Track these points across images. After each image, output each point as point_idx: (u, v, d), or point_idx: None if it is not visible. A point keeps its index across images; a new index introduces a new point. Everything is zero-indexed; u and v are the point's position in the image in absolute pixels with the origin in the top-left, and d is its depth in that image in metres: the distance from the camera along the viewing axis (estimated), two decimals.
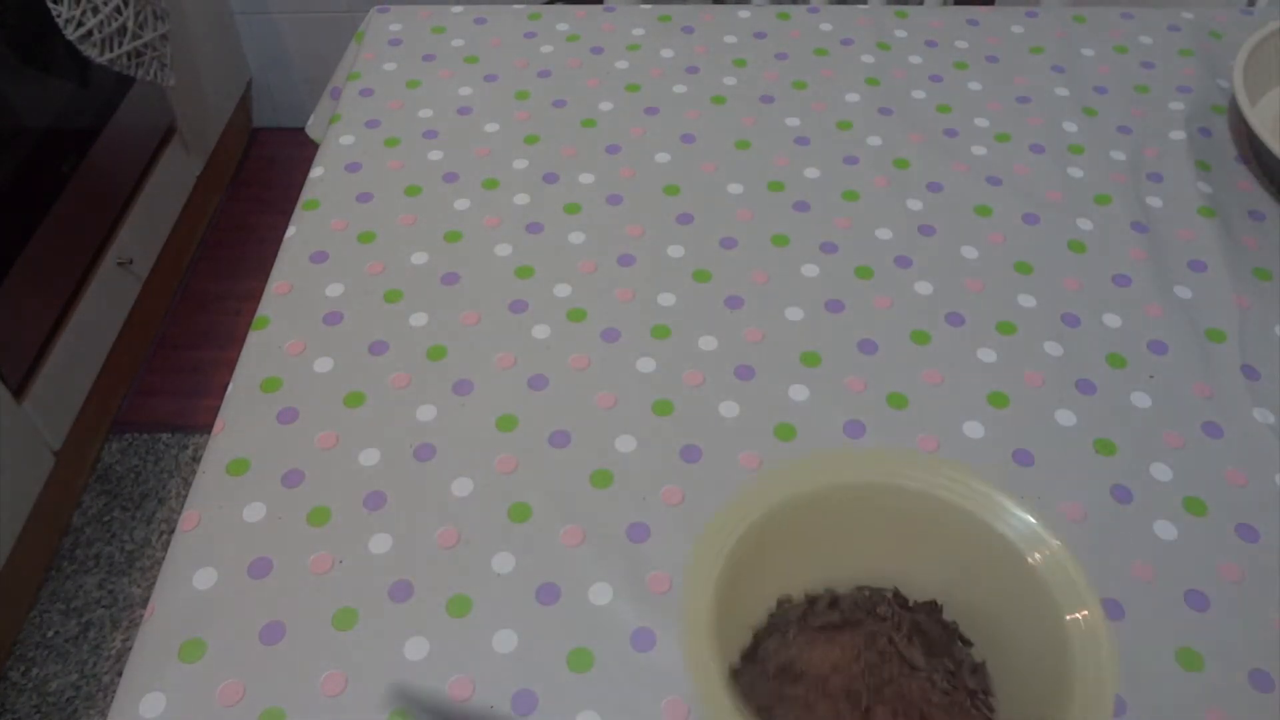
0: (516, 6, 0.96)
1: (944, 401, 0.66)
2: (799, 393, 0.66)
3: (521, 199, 0.78)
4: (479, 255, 0.74)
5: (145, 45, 1.38)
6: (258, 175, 1.92)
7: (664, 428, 0.64)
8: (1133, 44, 0.93)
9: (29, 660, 1.28)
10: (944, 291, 0.72)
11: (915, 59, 0.91)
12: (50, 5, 1.21)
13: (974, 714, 0.48)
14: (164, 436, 1.51)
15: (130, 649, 0.58)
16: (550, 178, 0.80)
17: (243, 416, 0.64)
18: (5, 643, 1.28)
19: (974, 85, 0.88)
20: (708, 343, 0.69)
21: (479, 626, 0.55)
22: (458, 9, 0.95)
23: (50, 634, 1.30)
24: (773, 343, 0.69)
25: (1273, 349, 0.69)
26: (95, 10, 1.27)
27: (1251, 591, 0.57)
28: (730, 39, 0.93)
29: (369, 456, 0.62)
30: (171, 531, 1.24)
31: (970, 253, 0.75)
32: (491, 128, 0.84)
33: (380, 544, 0.58)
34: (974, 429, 0.64)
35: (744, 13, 0.95)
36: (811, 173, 0.80)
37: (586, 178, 0.80)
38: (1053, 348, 0.69)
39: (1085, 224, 0.77)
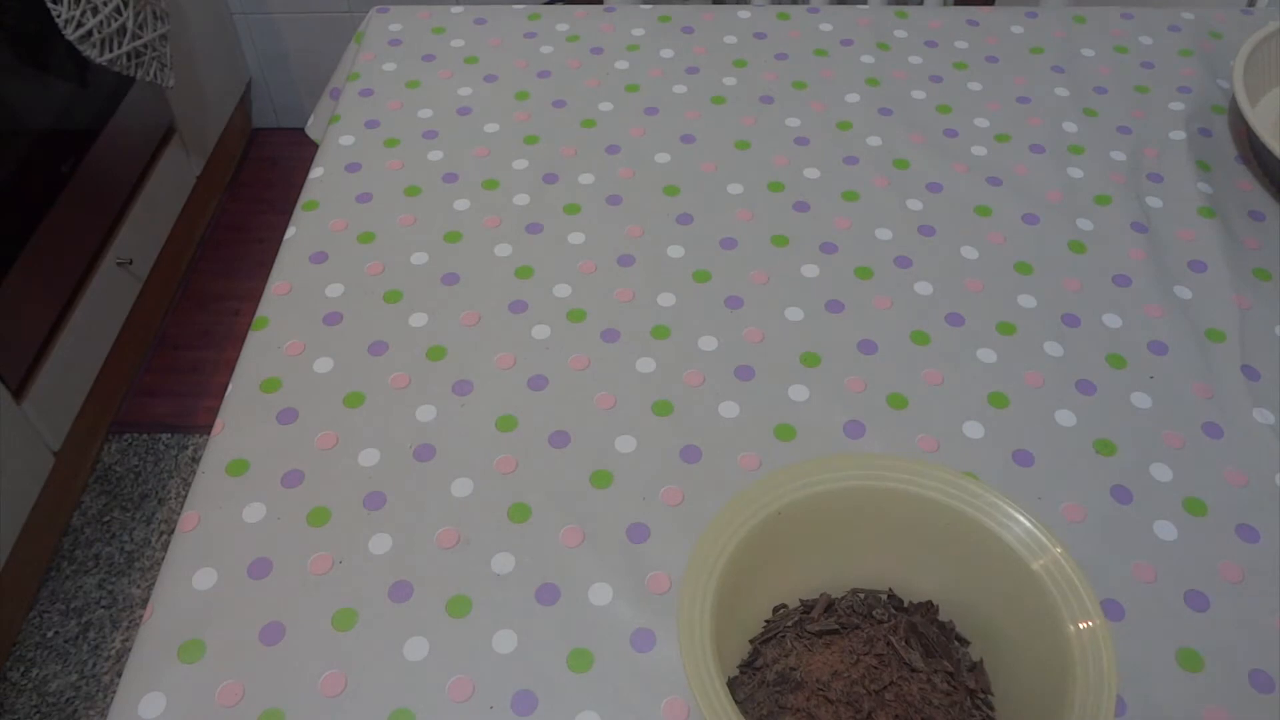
0: (516, 7, 0.96)
1: (944, 402, 0.66)
2: (799, 393, 0.66)
3: (521, 199, 0.78)
4: (479, 255, 0.74)
5: (145, 45, 1.38)
6: (258, 175, 1.92)
7: (664, 428, 0.64)
8: (1133, 44, 0.93)
9: (29, 660, 1.28)
10: (944, 292, 0.72)
11: (915, 59, 0.91)
12: (50, 5, 1.21)
13: (974, 714, 0.48)
14: (164, 437, 1.51)
15: (130, 649, 0.58)
16: (550, 178, 0.80)
17: (242, 417, 0.64)
18: (5, 643, 1.28)
19: (974, 85, 0.88)
20: (708, 343, 0.69)
21: (479, 626, 0.55)
22: (458, 9, 0.95)
23: (50, 634, 1.30)
24: (773, 343, 0.69)
25: (1273, 349, 0.69)
26: (95, 10, 1.27)
27: (1251, 591, 0.57)
28: (730, 39, 0.93)
29: (369, 457, 0.62)
30: (171, 532, 1.24)
31: (970, 253, 0.75)
32: (491, 128, 0.84)
33: (380, 544, 0.58)
34: (974, 429, 0.64)
35: (744, 13, 0.95)
36: (811, 173, 0.80)
37: (586, 178, 0.80)
38: (1053, 348, 0.69)
39: (1085, 224, 0.77)
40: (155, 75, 1.41)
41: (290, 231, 0.76)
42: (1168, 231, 0.76)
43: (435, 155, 0.81)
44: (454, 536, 0.59)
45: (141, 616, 0.72)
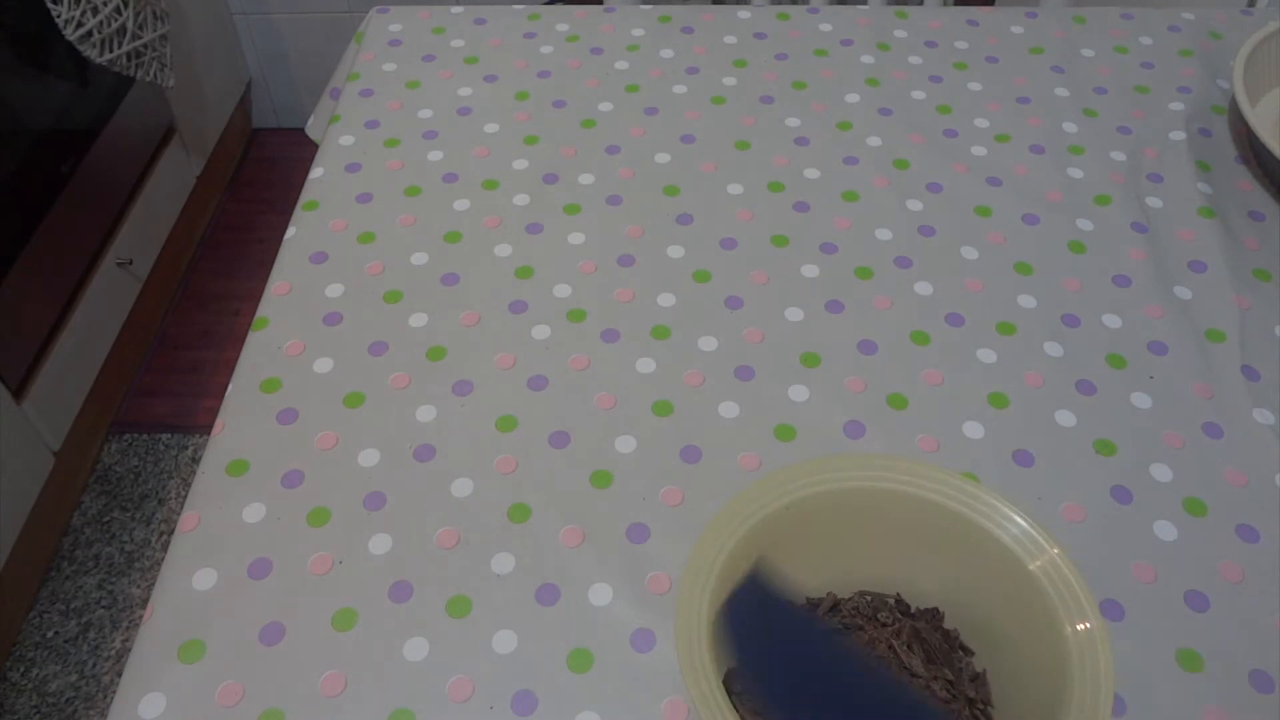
0: (516, 7, 0.96)
1: (944, 402, 0.66)
2: (799, 393, 0.66)
3: (521, 199, 0.78)
4: (479, 255, 0.74)
5: (145, 46, 1.38)
6: (258, 175, 1.92)
7: (664, 428, 0.64)
8: (1133, 44, 0.93)
9: (29, 661, 1.28)
10: (944, 292, 0.72)
11: (915, 59, 0.91)
12: (50, 5, 1.21)
13: None
14: (164, 437, 1.51)
15: (130, 649, 0.58)
16: (550, 178, 0.80)
17: (242, 417, 0.64)
18: (5, 643, 1.28)
19: (974, 86, 0.88)
20: (708, 343, 0.69)
21: (479, 626, 0.55)
22: (458, 9, 0.95)
23: (50, 634, 1.30)
24: (773, 343, 0.69)
25: (1273, 349, 0.69)
26: (95, 10, 1.27)
27: (1251, 591, 0.57)
28: (730, 39, 0.93)
29: (369, 457, 0.62)
30: (171, 532, 1.24)
31: (970, 253, 0.75)
32: (491, 128, 0.84)
33: (380, 544, 0.58)
34: (974, 429, 0.64)
35: (744, 13, 0.95)
36: (811, 173, 0.80)
37: (586, 178, 0.80)
38: (1053, 348, 0.69)
39: (1085, 224, 0.77)
40: (155, 75, 1.41)
41: (290, 231, 0.76)
42: (1168, 231, 0.76)
43: (435, 155, 0.81)
44: (454, 537, 0.59)
45: (141, 616, 0.72)
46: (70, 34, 1.23)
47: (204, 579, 0.57)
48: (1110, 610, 0.56)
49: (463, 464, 0.62)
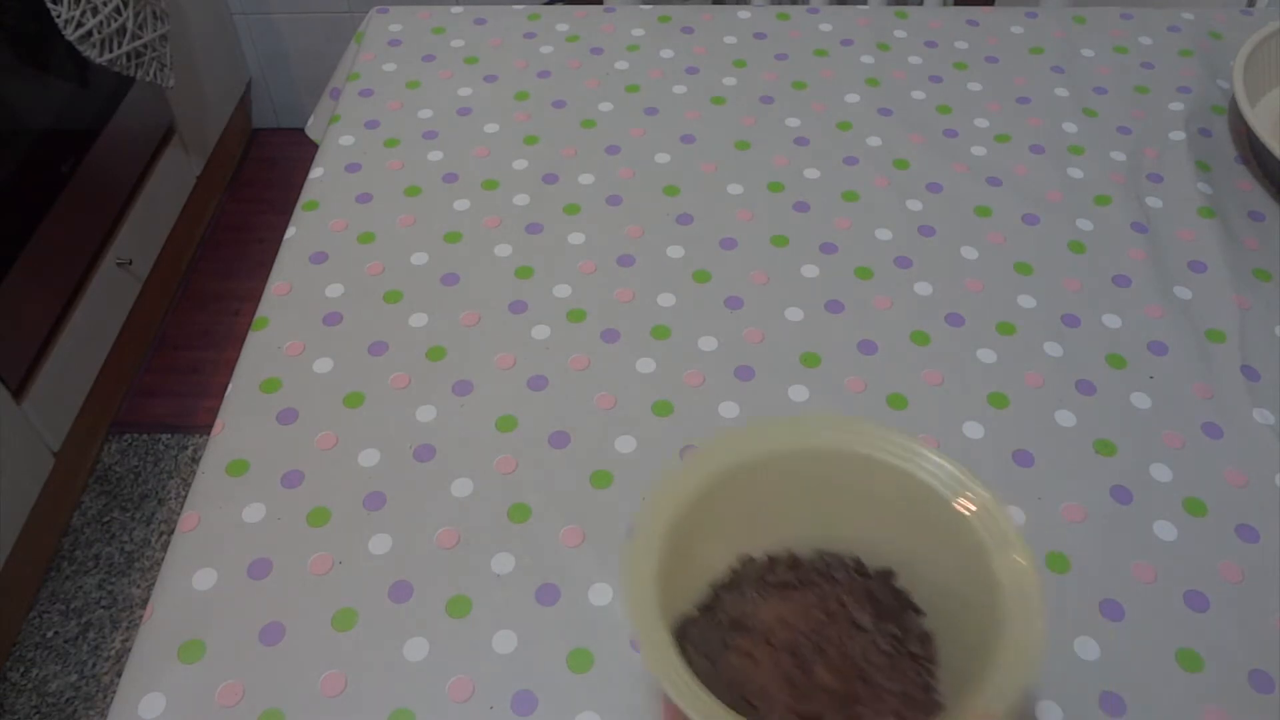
0: (516, 7, 0.96)
1: (944, 402, 0.66)
2: (799, 393, 0.66)
3: (521, 199, 0.78)
4: (479, 255, 0.74)
5: (145, 46, 1.38)
6: (258, 175, 1.92)
7: (664, 428, 0.64)
8: (1133, 44, 0.93)
9: (29, 661, 1.28)
10: (944, 292, 0.72)
11: (915, 59, 0.91)
12: (50, 5, 1.21)
13: (913, 677, 0.48)
14: (163, 437, 1.51)
15: (130, 649, 0.58)
16: (550, 178, 0.80)
17: (242, 417, 0.64)
18: (5, 643, 1.28)
19: (974, 86, 0.88)
20: (708, 343, 0.69)
21: (479, 627, 0.55)
22: (458, 9, 0.95)
23: (50, 634, 1.30)
24: (773, 343, 0.69)
25: (1273, 349, 0.69)
26: (95, 11, 1.27)
27: (1251, 591, 0.57)
28: (730, 39, 0.93)
29: (369, 457, 0.62)
30: (171, 532, 1.24)
31: (970, 253, 0.75)
32: (491, 128, 0.84)
33: (380, 544, 0.58)
34: (974, 429, 0.64)
35: (744, 13, 0.95)
36: (811, 173, 0.80)
37: (586, 178, 0.80)
38: (1053, 348, 0.69)
39: (1085, 224, 0.77)
40: (155, 75, 1.41)
41: (290, 231, 0.76)
42: (1168, 231, 0.76)
43: (435, 155, 0.81)
44: (454, 537, 0.59)
45: (141, 616, 0.72)
46: (70, 34, 1.23)
47: (204, 579, 0.57)
48: (1110, 610, 0.56)
49: (463, 464, 0.62)
